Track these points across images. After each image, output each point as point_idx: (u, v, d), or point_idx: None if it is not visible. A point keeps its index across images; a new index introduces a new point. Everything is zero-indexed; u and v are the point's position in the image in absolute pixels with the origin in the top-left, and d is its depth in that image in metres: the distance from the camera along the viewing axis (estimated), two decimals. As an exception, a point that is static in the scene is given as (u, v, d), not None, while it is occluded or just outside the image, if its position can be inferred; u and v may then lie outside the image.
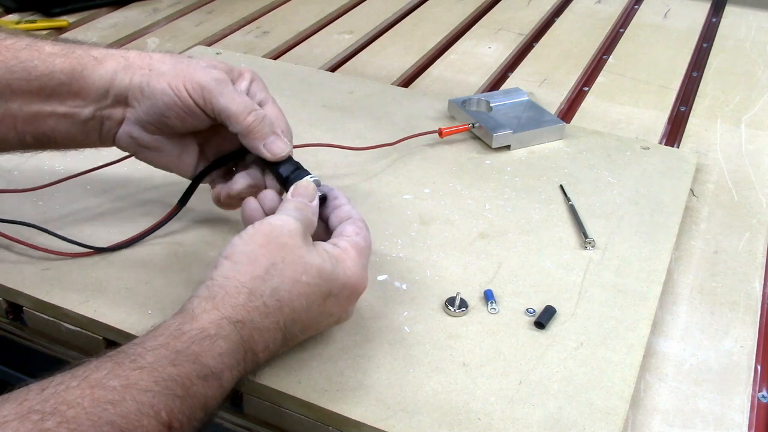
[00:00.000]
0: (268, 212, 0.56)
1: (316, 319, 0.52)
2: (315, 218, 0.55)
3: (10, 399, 0.39)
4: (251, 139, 0.56)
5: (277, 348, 0.50)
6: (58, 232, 0.63)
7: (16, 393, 0.40)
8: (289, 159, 0.58)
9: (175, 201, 0.63)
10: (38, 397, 0.39)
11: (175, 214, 0.64)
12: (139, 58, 0.57)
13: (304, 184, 0.56)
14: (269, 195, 0.57)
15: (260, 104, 0.58)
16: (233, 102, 0.56)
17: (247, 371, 0.49)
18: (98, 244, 0.63)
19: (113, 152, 0.69)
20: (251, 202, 0.57)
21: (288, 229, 0.51)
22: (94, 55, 0.56)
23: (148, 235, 0.64)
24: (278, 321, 0.49)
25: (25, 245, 0.62)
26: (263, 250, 0.50)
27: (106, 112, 0.57)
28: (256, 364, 0.49)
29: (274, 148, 0.57)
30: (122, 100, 0.57)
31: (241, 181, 0.59)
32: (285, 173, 0.57)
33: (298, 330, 0.51)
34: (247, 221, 0.55)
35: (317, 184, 0.57)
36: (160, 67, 0.56)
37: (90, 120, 0.57)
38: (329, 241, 0.54)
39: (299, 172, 0.57)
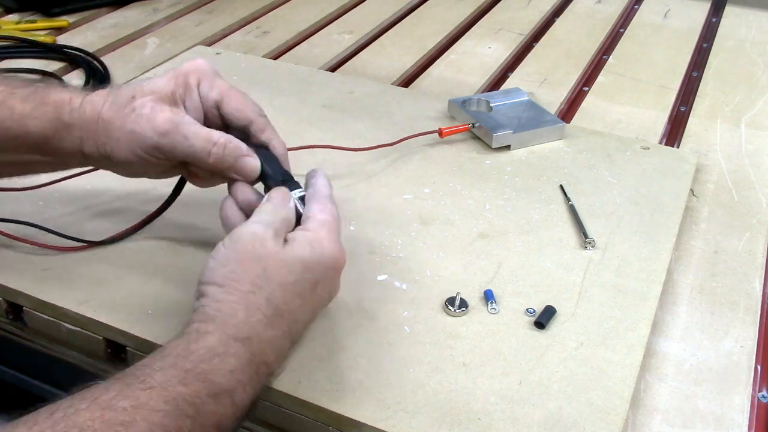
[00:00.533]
0: (242, 205, 0.56)
1: (313, 309, 0.53)
2: (292, 217, 0.54)
3: (19, 424, 0.39)
4: (220, 171, 0.56)
5: (287, 353, 0.51)
6: (58, 230, 0.63)
7: (26, 418, 0.39)
8: (278, 168, 0.58)
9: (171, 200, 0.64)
10: (48, 421, 0.39)
11: (166, 208, 0.64)
12: (93, 121, 0.55)
13: (277, 194, 0.55)
14: (242, 188, 0.57)
15: (216, 104, 0.57)
16: (190, 148, 0.55)
17: (261, 384, 0.49)
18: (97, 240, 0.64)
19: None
20: (227, 207, 0.56)
21: (258, 240, 0.51)
22: (64, 120, 0.55)
23: (142, 228, 0.65)
24: (282, 328, 0.50)
25: (24, 242, 0.63)
26: (242, 267, 0.50)
27: (89, 163, 0.58)
28: (270, 376, 0.50)
29: (245, 170, 0.56)
30: (98, 161, 0.57)
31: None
32: (272, 185, 0.57)
33: (301, 328, 0.52)
34: (225, 222, 0.56)
35: (302, 198, 0.56)
36: (113, 133, 0.55)
37: (74, 165, 0.59)
38: (299, 227, 0.54)
39: (288, 184, 0.57)
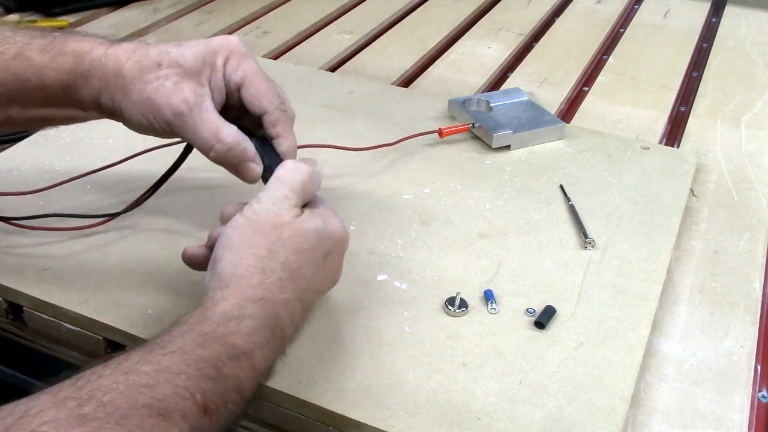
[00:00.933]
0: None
1: (322, 282, 0.54)
2: (315, 183, 0.55)
3: (44, 392, 0.39)
4: (222, 166, 0.57)
5: (300, 320, 0.51)
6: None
7: (50, 388, 0.40)
8: (276, 161, 0.57)
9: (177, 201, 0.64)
10: (73, 386, 0.40)
11: (173, 172, 0.64)
12: (114, 76, 0.55)
13: (287, 167, 0.55)
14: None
15: (237, 87, 0.56)
16: (194, 136, 0.55)
17: (277, 349, 0.49)
18: (100, 240, 0.64)
19: (115, 153, 0.70)
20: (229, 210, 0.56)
21: (273, 212, 0.51)
22: (81, 70, 0.55)
23: (153, 193, 0.65)
24: (296, 292, 0.50)
25: (52, 230, 0.64)
26: (258, 234, 0.51)
27: (104, 114, 0.58)
28: (285, 341, 0.50)
29: (246, 176, 0.57)
30: (112, 114, 0.57)
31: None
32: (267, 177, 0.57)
33: (311, 298, 0.53)
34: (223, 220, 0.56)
35: None
36: (131, 94, 0.55)
37: (91, 117, 0.58)
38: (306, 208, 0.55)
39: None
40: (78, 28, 1.11)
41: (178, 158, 0.63)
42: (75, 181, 0.69)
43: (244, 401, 0.45)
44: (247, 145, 0.56)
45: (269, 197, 0.52)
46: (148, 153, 0.72)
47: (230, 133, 0.55)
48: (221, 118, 0.55)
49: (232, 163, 0.56)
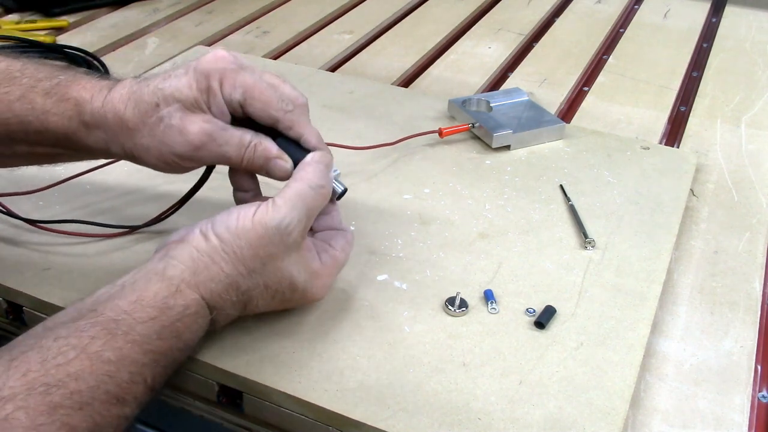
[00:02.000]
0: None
1: (275, 308, 0.56)
2: (323, 200, 0.54)
3: (11, 368, 0.42)
4: (253, 172, 0.57)
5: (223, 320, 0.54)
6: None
7: (18, 362, 0.43)
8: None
9: (175, 200, 0.64)
10: (41, 369, 0.43)
11: (197, 190, 0.63)
12: (117, 126, 0.54)
13: (319, 158, 0.55)
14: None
15: (240, 105, 0.55)
16: (224, 156, 0.55)
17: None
18: (100, 241, 0.64)
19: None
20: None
21: (279, 236, 0.51)
22: (83, 120, 0.55)
23: (178, 209, 0.65)
24: (242, 311, 0.54)
25: (74, 235, 0.65)
26: (251, 252, 0.51)
27: (117, 158, 0.59)
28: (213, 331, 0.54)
29: (276, 173, 0.56)
30: (126, 158, 0.57)
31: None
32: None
33: (250, 312, 0.55)
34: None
35: (337, 177, 0.58)
36: (141, 140, 0.54)
37: (101, 157, 0.60)
38: (317, 243, 0.56)
39: None
40: (78, 28, 1.11)
41: (202, 176, 0.63)
42: (74, 180, 0.69)
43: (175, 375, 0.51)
44: (267, 144, 0.56)
45: (284, 215, 0.51)
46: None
47: (250, 135, 0.55)
48: (236, 128, 0.55)
49: (260, 163, 0.56)
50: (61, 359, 0.43)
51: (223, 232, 0.51)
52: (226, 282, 0.51)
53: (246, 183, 0.58)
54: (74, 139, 0.55)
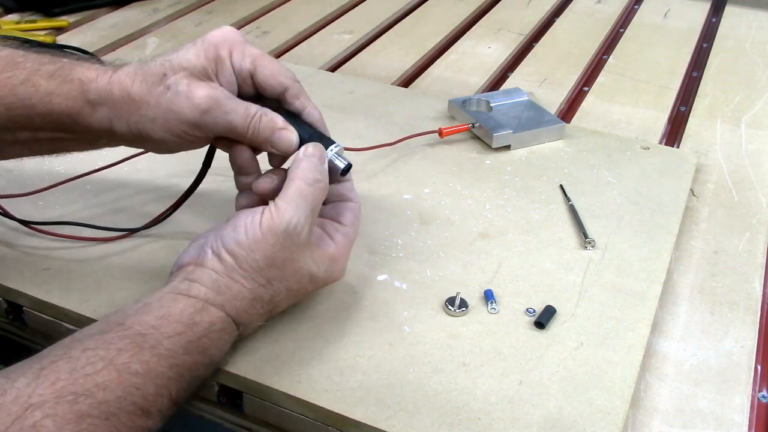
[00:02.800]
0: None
1: (291, 304, 0.57)
2: (323, 192, 0.55)
3: (41, 377, 0.43)
4: (257, 145, 0.57)
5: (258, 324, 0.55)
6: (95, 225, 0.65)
7: (48, 370, 0.43)
8: (314, 133, 0.57)
9: (173, 201, 0.64)
10: (70, 378, 0.43)
11: (201, 180, 0.63)
12: (123, 101, 0.54)
13: (311, 152, 0.55)
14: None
15: (250, 74, 0.56)
16: (229, 124, 0.55)
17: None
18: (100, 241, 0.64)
19: (115, 153, 0.69)
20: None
21: (291, 239, 0.52)
22: (88, 98, 0.55)
23: (179, 206, 0.64)
24: (268, 317, 0.55)
25: (71, 238, 0.64)
26: (267, 262, 0.52)
27: (121, 141, 0.58)
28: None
29: (282, 144, 0.56)
30: (129, 140, 0.57)
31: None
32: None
33: (275, 314, 0.56)
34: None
35: (339, 153, 0.57)
36: (147, 112, 0.54)
37: (103, 145, 0.59)
38: (326, 224, 0.57)
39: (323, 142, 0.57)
40: (78, 28, 1.11)
41: (199, 174, 0.63)
42: (75, 181, 0.69)
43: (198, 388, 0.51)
44: (273, 115, 0.56)
45: (290, 217, 0.52)
46: (148, 153, 0.72)
47: (256, 107, 0.55)
48: (242, 100, 0.56)
49: (266, 135, 0.55)
50: (89, 369, 0.44)
51: (234, 248, 0.52)
52: (249, 298, 0.52)
53: (249, 164, 0.58)
54: (78, 119, 0.55)
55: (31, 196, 0.68)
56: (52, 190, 0.69)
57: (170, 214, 0.64)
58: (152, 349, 0.47)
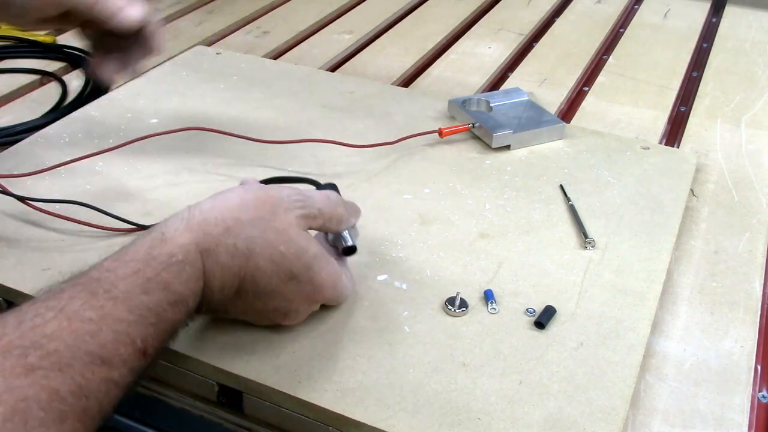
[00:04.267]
0: None
1: (272, 294, 0.52)
2: (339, 217, 0.56)
3: None
4: (101, 24, 0.58)
5: (228, 297, 0.51)
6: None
7: None
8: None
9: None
10: (17, 331, 0.40)
11: None
12: None
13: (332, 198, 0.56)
14: None
15: None
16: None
17: (201, 307, 0.50)
18: (101, 241, 0.64)
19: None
20: None
21: (282, 205, 0.52)
22: None
23: None
24: (241, 269, 0.50)
25: (81, 224, 0.63)
26: (257, 203, 0.51)
27: None
28: (209, 305, 0.50)
29: (126, 19, 0.58)
30: None
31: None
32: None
33: (252, 293, 0.51)
34: None
35: (351, 232, 0.58)
36: None
37: None
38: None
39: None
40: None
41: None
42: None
43: (174, 340, 0.48)
44: None
45: (299, 193, 0.53)
46: (144, 140, 0.72)
47: None
48: None
49: (112, 11, 0.58)
50: (38, 320, 0.41)
51: (227, 193, 0.52)
52: (223, 227, 0.49)
53: (107, 40, 0.59)
54: None
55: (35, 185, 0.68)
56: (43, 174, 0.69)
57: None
58: (106, 293, 0.44)
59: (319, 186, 0.61)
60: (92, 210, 0.65)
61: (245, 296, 0.51)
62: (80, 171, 0.72)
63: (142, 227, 0.64)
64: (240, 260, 0.49)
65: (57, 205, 0.65)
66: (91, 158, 0.72)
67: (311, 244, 0.53)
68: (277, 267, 0.51)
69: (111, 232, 0.64)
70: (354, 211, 0.58)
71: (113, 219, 0.64)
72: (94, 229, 0.64)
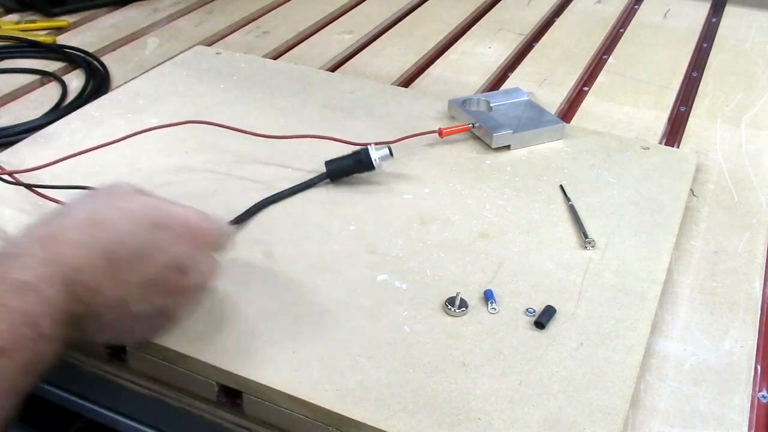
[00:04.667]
0: None
1: (149, 250, 0.48)
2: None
3: None
4: None
5: (100, 272, 0.46)
6: None
7: None
8: None
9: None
10: None
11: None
12: None
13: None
14: None
15: None
16: None
17: (71, 294, 0.45)
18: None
19: (115, 153, 0.69)
20: None
21: (122, 187, 0.51)
22: None
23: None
24: (93, 236, 0.46)
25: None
26: (99, 192, 0.50)
27: None
28: (86, 290, 0.45)
29: None
30: None
31: None
32: None
33: (125, 258, 0.47)
34: None
35: None
36: None
37: None
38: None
39: None
40: (78, 28, 1.11)
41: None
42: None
43: (42, 337, 0.43)
44: None
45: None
46: (145, 140, 0.72)
47: None
48: None
49: None
50: None
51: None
52: (58, 211, 0.47)
53: None
54: None
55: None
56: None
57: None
58: None
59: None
60: None
61: (123, 266, 0.47)
62: (80, 170, 0.72)
63: None
64: (88, 230, 0.46)
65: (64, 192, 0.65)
66: (91, 158, 0.72)
67: (152, 197, 0.50)
68: (136, 220, 0.47)
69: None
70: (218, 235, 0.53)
71: None
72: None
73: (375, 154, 0.71)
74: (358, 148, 0.73)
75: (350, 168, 0.72)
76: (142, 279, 0.48)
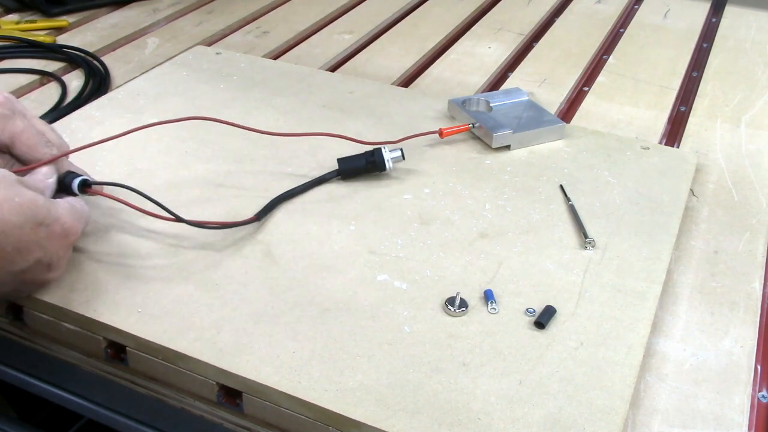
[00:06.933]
0: None
1: (28, 245, 0.52)
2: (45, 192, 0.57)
3: None
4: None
5: None
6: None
7: None
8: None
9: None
10: None
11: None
12: None
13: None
14: None
15: (8, 146, 0.60)
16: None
17: None
18: (100, 239, 0.64)
19: (116, 153, 0.70)
20: None
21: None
22: None
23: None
24: None
25: (133, 208, 0.62)
26: None
27: None
28: None
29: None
30: None
31: None
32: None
33: (13, 249, 0.51)
34: None
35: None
36: None
37: None
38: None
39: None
40: (78, 28, 1.11)
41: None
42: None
43: None
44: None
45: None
46: (145, 140, 0.72)
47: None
48: None
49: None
50: None
51: None
52: None
53: None
54: None
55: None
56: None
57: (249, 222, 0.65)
58: None
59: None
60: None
61: (0, 254, 0.51)
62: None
63: (178, 218, 0.62)
64: None
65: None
66: (91, 158, 0.72)
67: (37, 194, 0.53)
68: (24, 215, 0.51)
69: (93, 227, 0.65)
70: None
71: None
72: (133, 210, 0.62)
73: (388, 155, 0.72)
74: (370, 148, 0.74)
75: (362, 167, 0.73)
76: (14, 269, 0.53)
